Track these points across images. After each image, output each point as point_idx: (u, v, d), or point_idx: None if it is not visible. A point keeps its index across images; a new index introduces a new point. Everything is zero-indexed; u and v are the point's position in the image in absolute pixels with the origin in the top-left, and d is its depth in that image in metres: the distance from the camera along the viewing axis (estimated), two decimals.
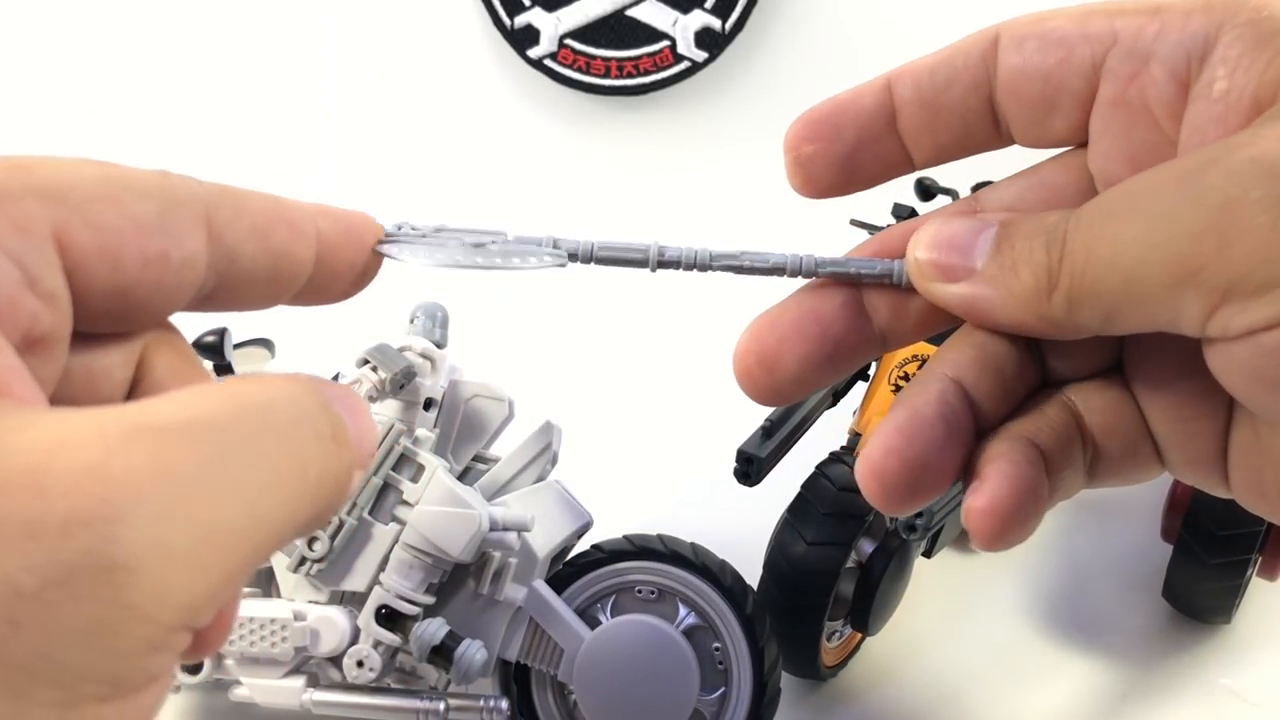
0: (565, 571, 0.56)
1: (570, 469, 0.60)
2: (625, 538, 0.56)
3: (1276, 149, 0.21)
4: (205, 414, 0.17)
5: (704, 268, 0.26)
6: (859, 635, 0.65)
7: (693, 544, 0.56)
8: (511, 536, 0.52)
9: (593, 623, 0.55)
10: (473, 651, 0.51)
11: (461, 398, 0.58)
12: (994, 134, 0.27)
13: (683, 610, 0.55)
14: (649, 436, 0.84)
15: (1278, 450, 0.24)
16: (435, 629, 0.52)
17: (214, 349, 0.52)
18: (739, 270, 0.27)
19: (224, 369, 0.53)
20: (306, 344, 0.64)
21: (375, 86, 1.06)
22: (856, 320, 0.27)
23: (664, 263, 0.26)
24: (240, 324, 0.59)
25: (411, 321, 0.60)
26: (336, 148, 1.06)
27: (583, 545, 0.58)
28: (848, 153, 0.27)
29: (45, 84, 1.08)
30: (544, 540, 0.55)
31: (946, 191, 0.78)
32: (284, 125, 1.06)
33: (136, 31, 1.05)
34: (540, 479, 0.58)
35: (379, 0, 1.05)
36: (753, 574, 0.58)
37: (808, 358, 0.27)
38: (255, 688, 0.53)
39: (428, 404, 0.58)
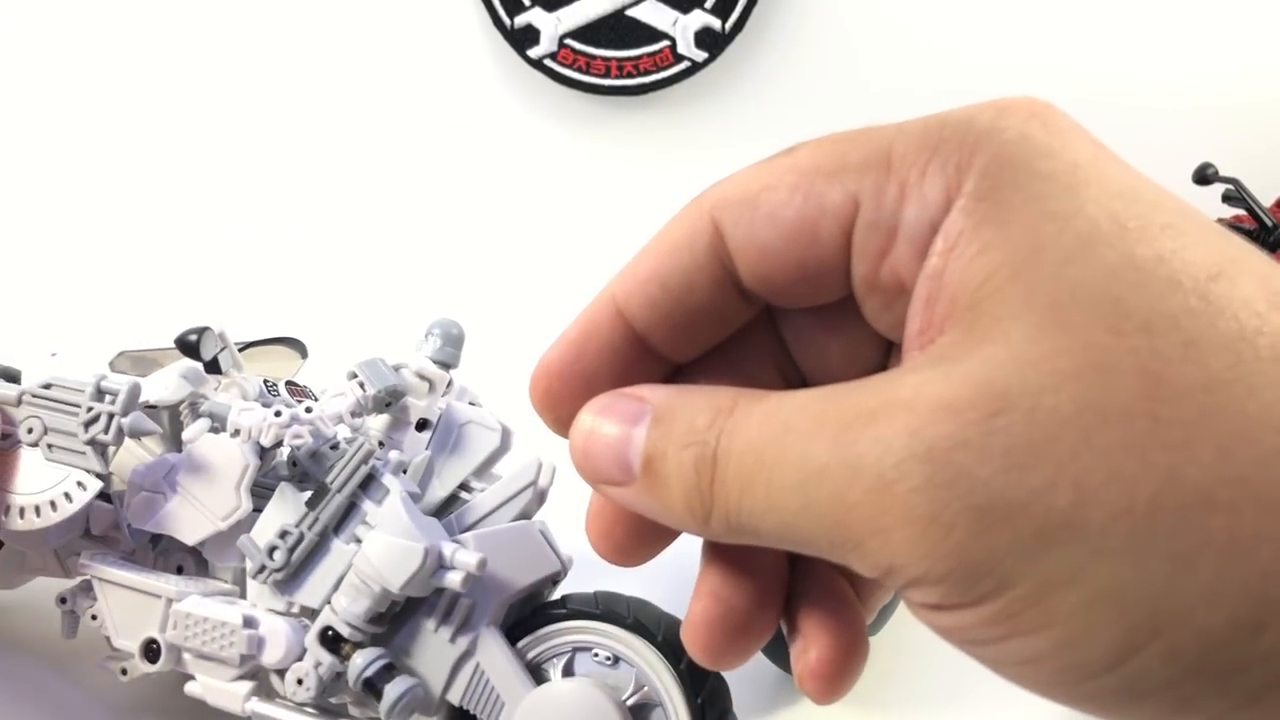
0: (528, 619, 0.53)
1: (565, 507, 0.57)
2: (594, 594, 0.52)
3: (933, 425, 0.18)
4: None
5: None
6: None
7: (664, 616, 0.51)
8: (456, 576, 0.49)
9: (542, 677, 0.51)
10: (401, 690, 0.49)
11: (455, 422, 0.56)
12: (749, 307, 0.24)
13: (635, 684, 0.50)
14: None
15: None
16: (370, 660, 0.50)
17: (194, 348, 0.52)
18: None
19: (212, 366, 0.53)
20: (338, 345, 0.64)
21: (374, 86, 1.07)
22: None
23: None
24: (269, 322, 0.60)
25: (425, 338, 0.58)
26: (336, 148, 1.08)
27: (562, 590, 0.54)
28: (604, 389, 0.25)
29: (38, 91, 1.11)
30: (505, 583, 0.52)
31: (1227, 180, 0.76)
32: (283, 125, 1.08)
33: (135, 30, 1.08)
34: (524, 516, 0.55)
35: (379, 0, 1.06)
36: None
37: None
38: (205, 685, 0.53)
39: (423, 425, 0.57)
